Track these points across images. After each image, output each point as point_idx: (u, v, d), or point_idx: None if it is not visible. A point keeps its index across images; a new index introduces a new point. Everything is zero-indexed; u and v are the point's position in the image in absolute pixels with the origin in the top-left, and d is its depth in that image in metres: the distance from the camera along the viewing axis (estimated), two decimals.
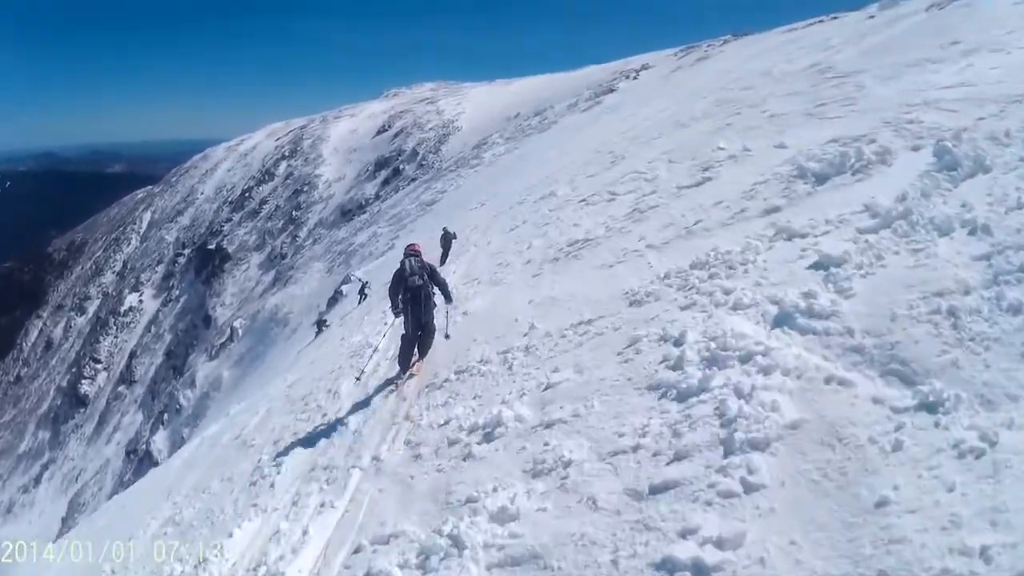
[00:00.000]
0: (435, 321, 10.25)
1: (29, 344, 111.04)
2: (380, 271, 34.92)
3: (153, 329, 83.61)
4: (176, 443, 50.31)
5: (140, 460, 57.93)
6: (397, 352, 10.36)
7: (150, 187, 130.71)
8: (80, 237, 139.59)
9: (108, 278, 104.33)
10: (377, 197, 66.46)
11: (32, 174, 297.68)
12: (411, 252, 10.31)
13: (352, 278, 43.71)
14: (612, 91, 55.57)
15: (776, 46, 34.72)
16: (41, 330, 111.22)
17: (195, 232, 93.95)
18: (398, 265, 10.08)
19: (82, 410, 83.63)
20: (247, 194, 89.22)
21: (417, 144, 72.54)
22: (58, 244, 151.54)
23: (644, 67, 60.76)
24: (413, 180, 63.93)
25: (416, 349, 10.29)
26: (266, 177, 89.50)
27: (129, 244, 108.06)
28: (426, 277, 9.86)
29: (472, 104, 78.55)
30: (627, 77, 59.52)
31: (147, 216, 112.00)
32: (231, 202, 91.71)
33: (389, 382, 10.20)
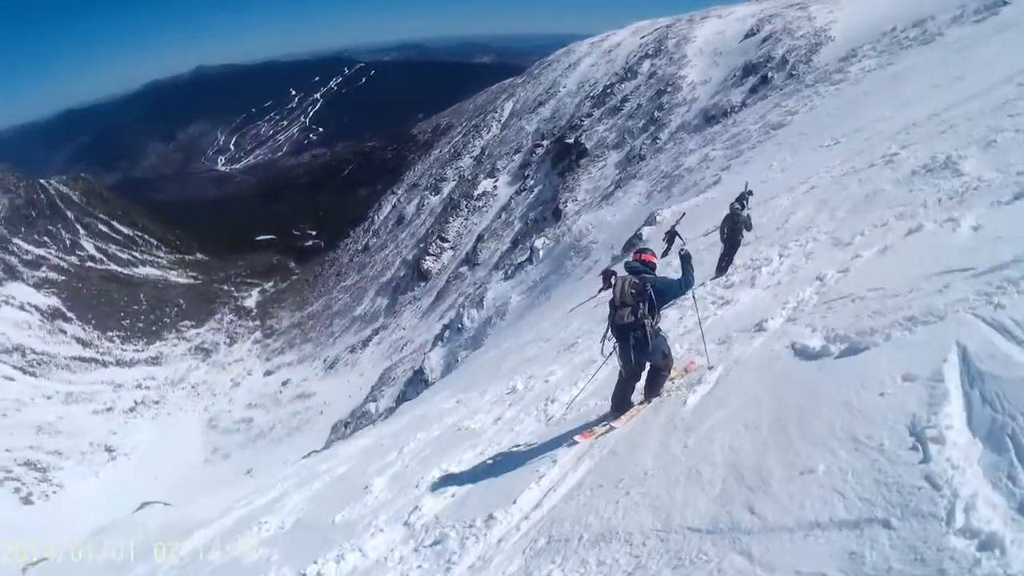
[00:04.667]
0: (667, 347, 7.64)
1: (381, 217, 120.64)
2: (697, 214, 26.65)
3: (503, 215, 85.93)
4: (450, 365, 50.49)
5: (415, 372, 59.27)
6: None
7: (513, 78, 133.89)
8: (445, 121, 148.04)
9: (465, 162, 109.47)
10: (743, 105, 62.72)
11: (398, 63, 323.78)
12: (635, 264, 7.60)
13: (657, 218, 35.56)
14: (1006, 3, 46.97)
15: None
16: (395, 205, 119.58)
17: (555, 124, 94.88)
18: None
19: (422, 284, 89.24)
20: (608, 90, 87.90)
21: (787, 51, 67.16)
22: (423, 127, 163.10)
23: None
24: (781, 91, 58.23)
25: (643, 388, 7.99)
26: (628, 75, 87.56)
27: (489, 131, 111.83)
28: (644, 308, 7.14)
29: (844, 12, 69.86)
30: None
31: (508, 105, 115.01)
32: (592, 97, 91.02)
33: (587, 426, 8.16)
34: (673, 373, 7.95)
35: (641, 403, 7.81)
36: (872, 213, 11.88)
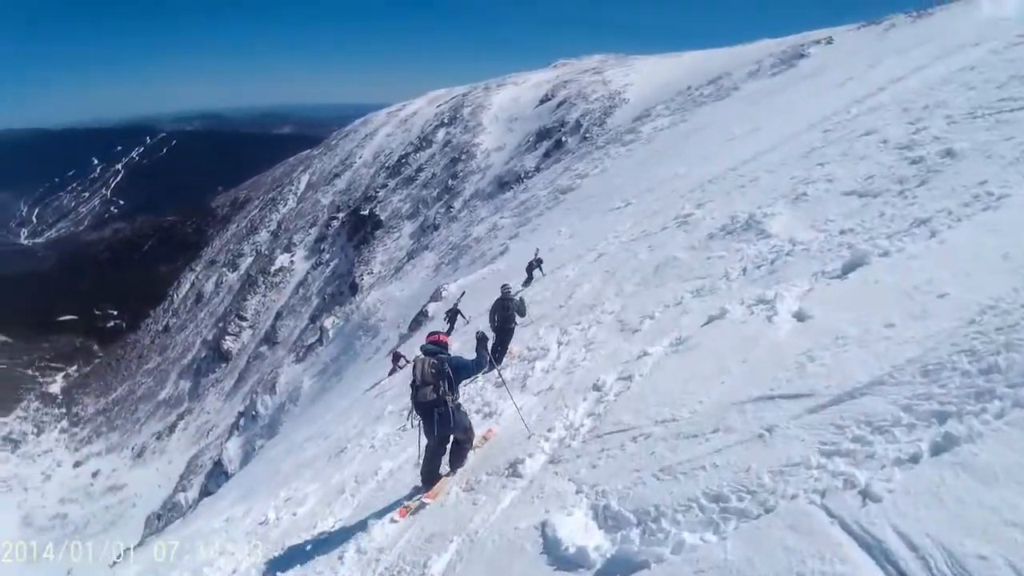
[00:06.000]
0: (468, 422, 7.59)
1: (180, 296, 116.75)
2: (483, 286, 26.69)
3: (301, 291, 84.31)
4: (248, 454, 49.33)
5: (214, 464, 57.47)
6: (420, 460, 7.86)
7: (311, 149, 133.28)
8: (244, 194, 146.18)
9: (262, 236, 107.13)
10: (537, 170, 62.07)
11: (199, 133, 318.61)
12: (430, 346, 7.44)
13: (443, 293, 34.53)
14: (803, 56, 47.35)
15: None
16: (193, 283, 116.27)
17: (351, 196, 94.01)
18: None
19: (223, 365, 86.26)
20: (404, 160, 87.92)
21: (581, 115, 67.44)
22: (222, 200, 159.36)
23: (830, 39, 51.66)
24: (573, 154, 58.05)
25: (448, 461, 7.77)
26: (424, 144, 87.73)
27: (285, 204, 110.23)
28: (444, 386, 7.00)
29: (640, 75, 72.53)
30: (817, 43, 51.01)
31: (305, 178, 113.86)
32: (388, 167, 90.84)
33: (400, 503, 7.60)
34: (475, 443, 7.89)
35: (448, 474, 7.59)
36: (664, 287, 10.20)
